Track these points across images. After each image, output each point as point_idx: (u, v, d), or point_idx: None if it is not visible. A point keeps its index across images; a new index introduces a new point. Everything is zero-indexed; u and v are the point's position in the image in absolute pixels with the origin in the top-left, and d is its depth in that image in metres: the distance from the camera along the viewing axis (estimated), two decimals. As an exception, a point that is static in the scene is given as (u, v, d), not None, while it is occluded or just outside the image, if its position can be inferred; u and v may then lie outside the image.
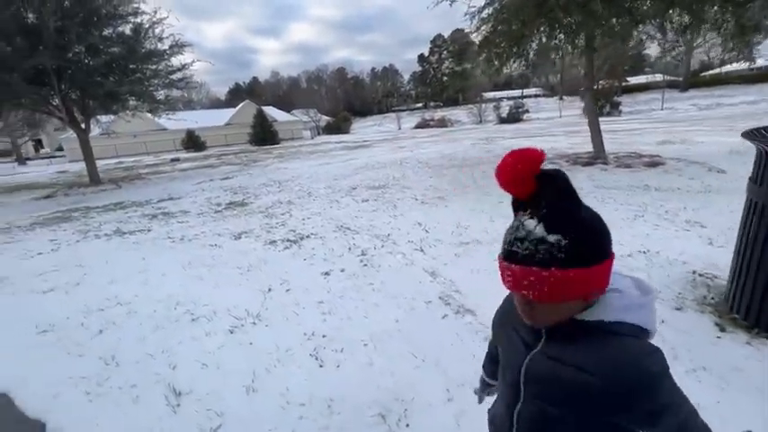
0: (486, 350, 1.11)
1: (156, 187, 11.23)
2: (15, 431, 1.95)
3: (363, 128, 51.40)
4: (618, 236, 1.07)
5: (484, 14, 6.98)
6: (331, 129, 44.94)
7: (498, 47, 7.24)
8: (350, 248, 3.99)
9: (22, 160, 30.58)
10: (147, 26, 11.55)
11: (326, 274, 3.41)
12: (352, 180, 8.84)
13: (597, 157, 7.18)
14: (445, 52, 64.86)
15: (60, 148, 38.72)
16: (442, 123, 40.32)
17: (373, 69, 76.68)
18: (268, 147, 30.96)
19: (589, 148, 8.34)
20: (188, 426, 1.82)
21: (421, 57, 67.35)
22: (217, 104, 56.25)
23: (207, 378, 2.17)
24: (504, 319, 0.87)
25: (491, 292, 2.96)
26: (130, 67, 11.71)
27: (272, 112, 42.80)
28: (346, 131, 44.31)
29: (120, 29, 11.60)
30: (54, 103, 11.34)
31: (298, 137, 42.21)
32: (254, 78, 73.49)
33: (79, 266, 4.26)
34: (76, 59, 10.87)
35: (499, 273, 0.69)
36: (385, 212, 5.39)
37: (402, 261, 3.56)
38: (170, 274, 3.76)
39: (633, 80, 43.23)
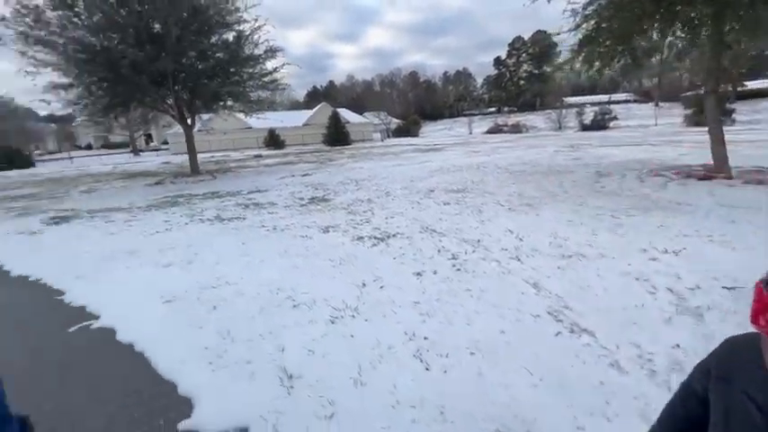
0: (668, 404, 0.83)
1: (244, 180, 12.22)
2: (153, 388, 2.16)
3: (433, 131, 51.10)
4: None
5: (588, 11, 6.43)
6: (401, 131, 45.36)
7: (602, 45, 6.63)
8: (439, 251, 3.90)
9: (136, 151, 35.51)
10: (247, 33, 12.67)
11: (419, 274, 3.35)
12: (429, 182, 8.75)
13: (719, 170, 6.22)
14: (524, 55, 61.88)
15: (165, 142, 44.21)
16: (517, 129, 38.53)
17: (445, 73, 75.95)
18: (340, 147, 32.19)
19: (701, 160, 7.28)
20: (303, 410, 1.86)
21: (497, 60, 65.07)
22: (296, 106, 59.90)
23: (314, 365, 2.22)
24: (722, 373, 0.66)
25: (612, 313, 2.71)
26: (231, 70, 12.93)
27: (345, 114, 44.42)
28: (416, 135, 44.40)
29: (225, 36, 12.88)
30: (168, 102, 12.91)
31: (368, 138, 43.30)
32: (331, 82, 77.13)
33: (190, 246, 4.73)
34: (188, 64, 12.28)
35: (754, 306, 0.54)
36: (470, 217, 5.21)
37: (498, 269, 3.37)
38: (268, 260, 4.00)
39: (752, 84, 37.13)
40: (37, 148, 33.08)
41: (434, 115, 63.00)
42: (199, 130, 39.09)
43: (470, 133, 40.91)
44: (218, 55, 12.55)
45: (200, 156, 30.15)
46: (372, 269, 3.55)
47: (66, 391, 2.20)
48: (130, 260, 4.39)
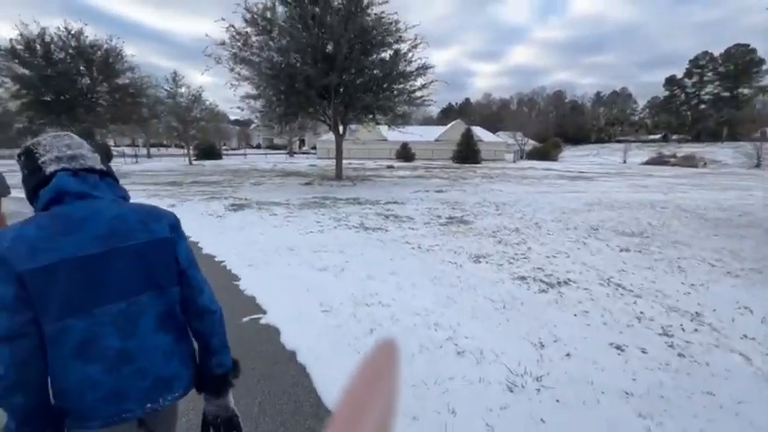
0: None
1: (381, 189, 12.67)
2: (314, 410, 2.00)
3: (575, 156, 45.89)
4: None
5: None
6: (537, 154, 42.01)
7: None
8: (638, 318, 3.00)
9: (291, 153, 41.32)
10: (404, 51, 13.22)
11: (619, 348, 2.56)
12: (588, 217, 7.45)
13: None
14: (710, 74, 50.73)
15: (314, 147, 50.46)
16: (690, 162, 31.52)
17: (598, 93, 67.73)
18: (469, 165, 31.41)
19: None
20: None
21: (670, 79, 54.93)
22: (428, 122, 61.41)
23: (499, 450, 1.74)
24: None
25: None
26: (384, 86, 13.67)
27: (478, 132, 43.40)
28: (554, 159, 40.50)
29: (383, 54, 13.70)
30: (327, 113, 14.37)
31: (499, 158, 41.34)
32: (467, 99, 76.94)
33: (341, 253, 4.82)
34: (348, 79, 13.44)
35: None
36: (669, 275, 4.03)
37: (749, 368, 2.34)
38: (420, 285, 3.71)
39: None
40: (224, 145, 41.54)
41: (578, 139, 56.64)
42: (344, 139, 43.08)
43: (624, 162, 35.18)
44: (374, 71, 13.41)
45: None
46: (547, 324, 2.90)
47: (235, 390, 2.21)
48: (290, 257, 4.68)
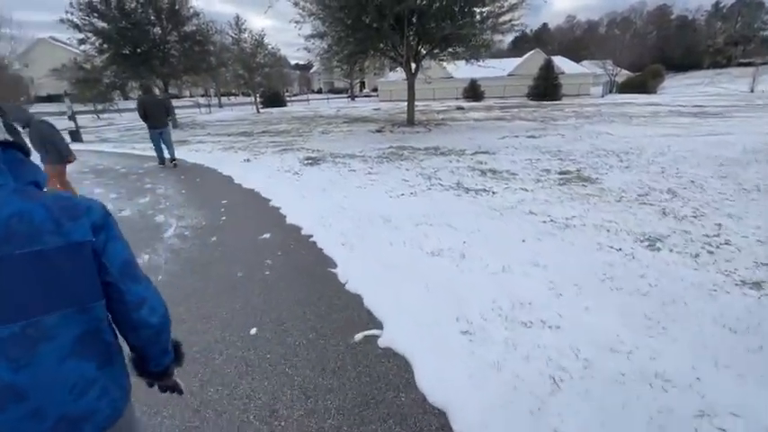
0: None
1: (460, 135, 11.08)
2: None
3: (680, 87, 38.22)
4: None
5: None
6: (631, 85, 35.53)
7: None
8: None
9: (353, 96, 39.74)
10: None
11: None
12: (764, 175, 5.44)
13: None
14: None
15: (375, 89, 48.08)
16: None
17: (717, 4, 54.18)
18: (549, 102, 27.50)
19: None
20: None
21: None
22: (497, 54, 54.65)
23: None
24: None
25: None
26: (465, 10, 11.39)
27: (560, 62, 37.49)
28: (652, 91, 33.99)
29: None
30: (398, 50, 12.59)
31: (584, 93, 35.82)
32: (544, 25, 66.30)
33: (451, 227, 3.79)
34: (424, 4, 11.36)
35: None
36: None
37: None
38: (586, 289, 2.57)
39: None
40: (287, 91, 41.09)
41: (685, 65, 46.83)
42: (404, 79, 40.27)
43: (752, 91, 28.22)
44: (453, -8, 11.14)
45: (403, 105, 31.23)
46: None
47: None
48: (388, 231, 3.77)
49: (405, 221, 4.01)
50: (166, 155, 8.00)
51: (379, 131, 12.79)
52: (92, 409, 0.77)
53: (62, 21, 14.41)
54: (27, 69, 33.62)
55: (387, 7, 9.97)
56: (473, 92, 34.51)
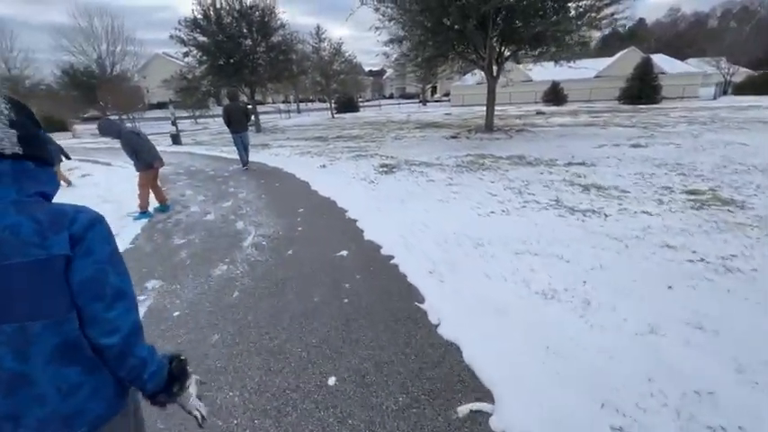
0: None
1: (546, 143, 9.95)
2: None
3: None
4: None
5: None
6: (752, 86, 29.87)
7: None
8: None
9: (424, 102, 39.30)
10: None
11: None
12: None
13: None
14: None
15: (446, 94, 47.14)
16: None
17: None
18: (645, 105, 24.23)
19: None
20: None
21: None
22: (583, 54, 50.05)
23: None
24: None
25: None
26: (557, 6, 10.25)
27: (660, 61, 33.03)
28: (783, 92, 28.15)
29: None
30: (480, 53, 11.81)
31: (690, 95, 31.06)
32: (640, 20, 59.22)
33: (560, 259, 3.08)
34: (509, 2, 10.47)
35: None
36: None
37: None
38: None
39: None
40: (360, 97, 42.07)
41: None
42: (478, 83, 38.76)
43: None
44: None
45: (476, 109, 30.01)
46: None
47: None
48: (484, 261, 3.18)
49: (500, 247, 3.39)
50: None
51: (454, 137, 12.13)
52: (80, 408, 0.81)
53: (171, 37, 16.13)
54: (144, 81, 38.93)
55: (471, 8, 9.31)
56: (554, 95, 31.93)
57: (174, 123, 15.49)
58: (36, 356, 0.75)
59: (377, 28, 11.62)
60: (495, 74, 12.40)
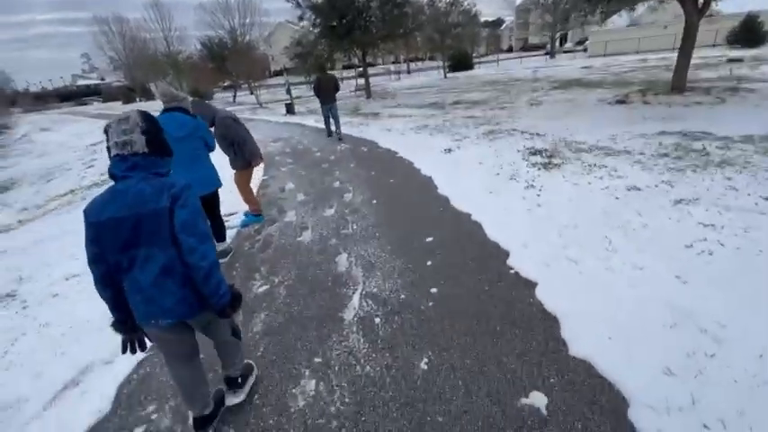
0: None
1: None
2: None
3: None
4: None
5: None
6: None
7: None
8: None
9: (552, 54, 32.55)
10: None
11: None
12: None
13: None
14: None
15: (580, 42, 38.47)
16: None
17: None
18: None
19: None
20: None
21: None
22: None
23: None
24: None
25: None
26: None
27: None
28: None
29: None
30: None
31: None
32: None
33: None
34: None
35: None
36: None
37: None
38: None
39: None
40: (473, 52, 37.08)
41: None
42: (628, 26, 30.23)
43: None
44: None
45: (624, 60, 23.22)
46: None
47: None
48: None
49: None
50: (333, 128, 8.24)
51: (621, 102, 8.61)
52: (172, 307, 1.36)
53: (287, 0, 15.22)
54: (270, 49, 40.85)
55: None
56: (749, 33, 22.77)
57: (288, 92, 15.01)
58: (151, 270, 1.31)
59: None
60: (700, 5, 8.17)
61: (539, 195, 3.83)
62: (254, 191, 5.13)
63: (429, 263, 2.86)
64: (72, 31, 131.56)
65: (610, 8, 9.96)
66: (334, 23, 15.39)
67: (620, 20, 27.21)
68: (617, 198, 3.54)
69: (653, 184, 3.76)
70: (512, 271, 2.61)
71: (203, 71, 23.31)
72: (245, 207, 4.17)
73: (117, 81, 47.02)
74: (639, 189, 3.68)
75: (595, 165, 4.53)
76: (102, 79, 58.35)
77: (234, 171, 3.81)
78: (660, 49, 26.58)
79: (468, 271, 2.69)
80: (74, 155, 13.55)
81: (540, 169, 4.63)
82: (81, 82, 67.88)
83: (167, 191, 1.29)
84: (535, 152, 5.37)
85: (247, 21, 31.71)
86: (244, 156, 3.62)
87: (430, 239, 3.22)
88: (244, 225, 4.07)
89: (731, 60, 15.74)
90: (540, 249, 2.80)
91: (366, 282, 2.72)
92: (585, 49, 31.98)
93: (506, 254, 2.83)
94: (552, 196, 3.75)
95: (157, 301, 1.32)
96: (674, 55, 9.29)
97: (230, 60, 21.95)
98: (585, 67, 20.87)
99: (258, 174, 6.02)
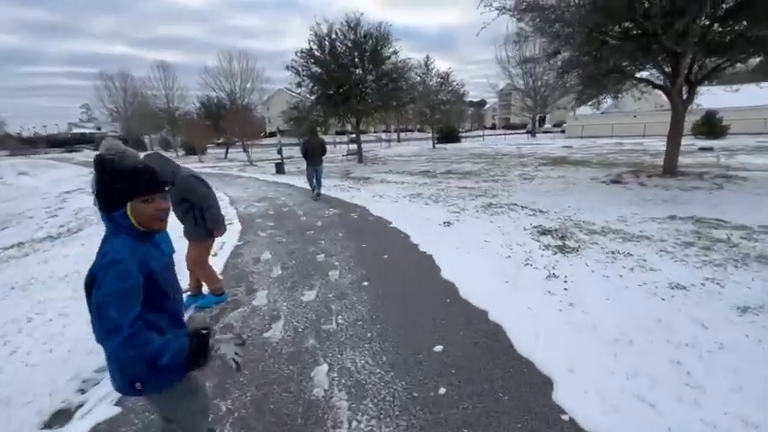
0: None
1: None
2: None
3: None
4: None
5: None
6: None
7: None
8: None
9: (533, 132, 34.80)
10: None
11: None
12: None
13: None
14: None
15: (557, 125, 41.63)
16: None
17: None
18: None
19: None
20: None
21: None
22: (739, 78, 39.60)
23: None
24: None
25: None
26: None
27: None
28: None
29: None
30: (665, 69, 8.20)
31: None
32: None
33: None
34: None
35: None
36: None
37: None
38: None
39: None
40: (460, 126, 39.44)
41: None
42: (603, 113, 32.83)
43: None
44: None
45: (601, 142, 24.71)
46: None
47: None
48: None
49: None
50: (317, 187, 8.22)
51: (616, 182, 8.52)
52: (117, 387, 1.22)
53: (287, 67, 15.85)
54: (267, 112, 42.53)
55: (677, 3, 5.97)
56: (709, 127, 24.85)
57: (279, 152, 14.88)
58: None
59: (515, 42, 8.93)
60: (685, 95, 8.57)
61: (566, 290, 3.15)
62: (222, 261, 4.34)
63: (442, 390, 2.03)
64: (77, 84, 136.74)
65: (581, 98, 10.47)
66: (332, 92, 15.93)
67: (591, 107, 29.84)
68: (662, 299, 2.90)
69: (697, 282, 3.16)
70: (564, 416, 1.80)
71: (199, 127, 23.51)
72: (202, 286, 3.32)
73: (112, 131, 47.44)
74: (685, 288, 3.06)
75: (618, 252, 3.97)
76: (98, 129, 58.95)
77: (189, 243, 3.04)
78: (632, 135, 28.66)
79: (502, 410, 1.86)
80: (41, 201, 12.53)
81: (555, 253, 4.03)
82: (76, 130, 68.47)
83: (96, 263, 1.08)
84: (544, 232, 4.84)
85: (248, 86, 33.23)
86: (205, 224, 2.90)
87: (439, 349, 2.42)
88: (199, 308, 3.19)
89: (702, 149, 16.72)
90: (594, 379, 2.03)
91: (352, 422, 1.85)
92: (563, 131, 34.38)
93: (549, 383, 2.04)
94: (583, 292, 3.08)
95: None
96: (645, 140, 9.58)
97: (226, 119, 22.27)
98: (566, 147, 21.96)
99: (232, 239, 5.24)
